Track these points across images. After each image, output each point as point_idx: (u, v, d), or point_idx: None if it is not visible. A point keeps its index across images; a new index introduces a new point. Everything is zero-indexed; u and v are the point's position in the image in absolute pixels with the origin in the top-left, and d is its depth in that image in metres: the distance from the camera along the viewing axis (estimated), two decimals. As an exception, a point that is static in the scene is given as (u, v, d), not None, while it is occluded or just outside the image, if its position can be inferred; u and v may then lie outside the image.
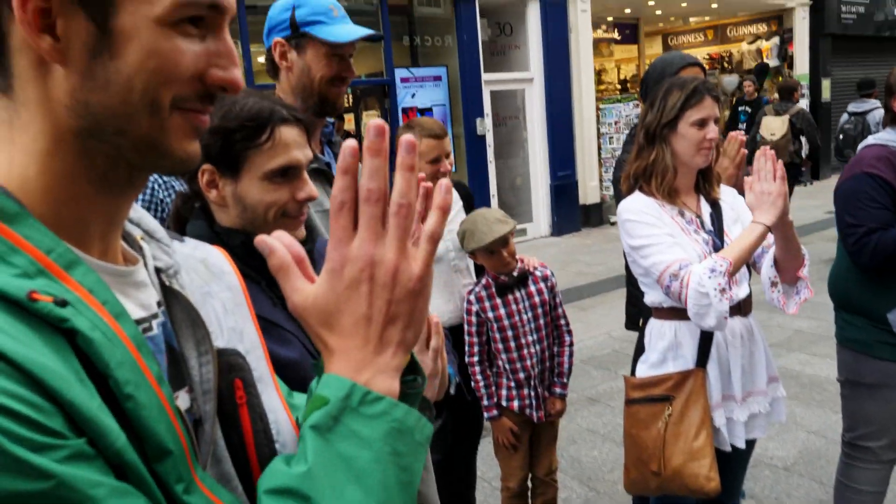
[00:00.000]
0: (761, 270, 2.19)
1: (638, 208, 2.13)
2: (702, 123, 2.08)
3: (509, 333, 2.72)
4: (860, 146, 2.53)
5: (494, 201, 9.62)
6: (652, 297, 2.21)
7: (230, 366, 0.80)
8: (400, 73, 8.77)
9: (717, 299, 1.91)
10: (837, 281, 2.56)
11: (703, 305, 1.93)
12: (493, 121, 9.66)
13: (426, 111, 8.98)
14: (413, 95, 8.88)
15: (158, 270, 0.78)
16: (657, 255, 2.04)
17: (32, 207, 0.63)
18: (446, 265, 2.84)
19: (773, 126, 8.33)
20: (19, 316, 0.57)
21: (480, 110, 9.29)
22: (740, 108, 10.77)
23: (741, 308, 2.19)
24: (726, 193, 2.28)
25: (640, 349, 2.33)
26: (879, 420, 2.45)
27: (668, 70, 2.68)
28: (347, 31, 1.83)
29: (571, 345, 2.87)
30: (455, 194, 2.91)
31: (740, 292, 2.18)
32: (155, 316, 0.74)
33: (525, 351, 2.73)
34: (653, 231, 2.08)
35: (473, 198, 3.09)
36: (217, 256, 0.91)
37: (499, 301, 2.72)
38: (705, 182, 2.22)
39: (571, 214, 10.25)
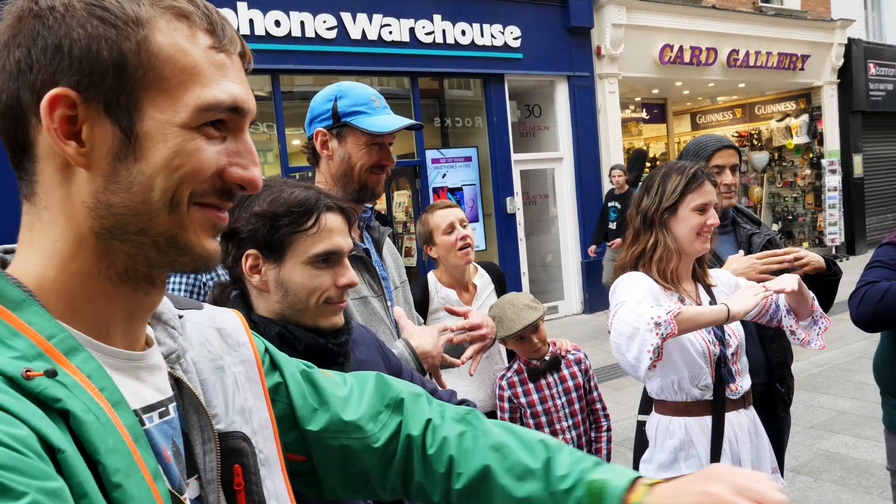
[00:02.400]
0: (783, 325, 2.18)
1: (630, 278, 2.09)
2: (703, 209, 2.08)
3: (543, 419, 2.67)
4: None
5: (525, 279, 9.61)
6: (654, 387, 2.15)
7: (231, 450, 0.80)
8: (431, 154, 8.96)
9: (650, 332, 1.80)
10: (882, 365, 2.49)
11: (633, 328, 1.81)
12: (524, 199, 9.76)
13: (457, 190, 9.12)
14: (444, 175, 9.03)
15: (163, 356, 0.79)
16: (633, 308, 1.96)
17: (48, 302, 0.65)
18: None
19: None
20: (17, 393, 0.58)
21: (510, 189, 9.41)
22: (610, 205, 8.73)
23: (745, 401, 2.14)
24: (718, 278, 2.25)
25: (641, 444, 2.27)
26: (933, 511, 2.34)
27: (701, 153, 2.67)
28: (388, 121, 1.89)
29: (609, 430, 2.80)
30: (486, 276, 2.92)
31: (744, 384, 2.13)
32: (171, 400, 0.75)
33: (560, 437, 2.66)
34: (630, 294, 1.99)
35: (505, 277, 3.09)
36: (235, 325, 0.91)
37: (531, 386, 2.67)
38: (699, 268, 2.20)
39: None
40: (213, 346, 0.85)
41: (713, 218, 2.11)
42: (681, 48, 10.70)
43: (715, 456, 2.07)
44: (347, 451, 0.98)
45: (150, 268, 0.70)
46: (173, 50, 0.67)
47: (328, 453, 0.98)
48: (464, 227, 2.71)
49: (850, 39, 13.34)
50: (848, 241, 13.50)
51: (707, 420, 2.10)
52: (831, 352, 6.78)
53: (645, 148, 12.98)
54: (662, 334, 1.76)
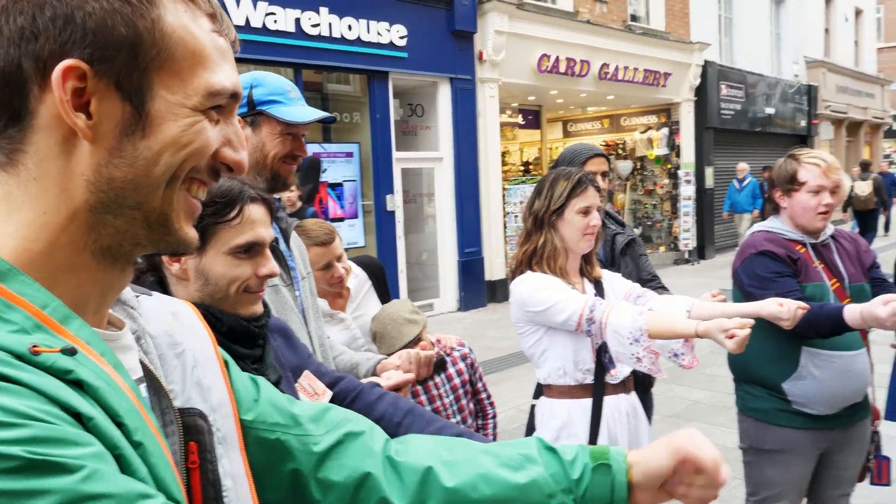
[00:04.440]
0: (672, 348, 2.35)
1: (535, 277, 2.28)
2: (586, 211, 2.28)
3: None
4: (748, 232, 2.80)
5: (403, 276, 9.72)
6: (542, 374, 2.34)
7: (187, 427, 0.78)
8: (312, 147, 8.87)
9: (632, 360, 2.06)
10: (737, 354, 2.78)
11: (621, 345, 2.07)
12: (403, 197, 9.87)
13: (337, 186, 9.10)
14: (325, 170, 8.98)
15: None
16: (568, 308, 2.18)
17: (28, 273, 0.64)
18: None
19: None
20: (30, 367, 0.57)
21: (391, 187, 9.49)
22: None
23: (625, 386, 2.36)
24: (607, 275, 2.47)
25: (531, 427, 2.45)
26: (779, 483, 2.64)
27: (576, 159, 2.92)
28: (304, 112, 1.92)
29: (495, 416, 2.94)
30: (361, 274, 2.88)
31: (624, 370, 2.35)
32: (142, 380, 0.75)
33: None
34: (556, 292, 2.22)
35: (384, 271, 3.08)
36: (187, 311, 0.91)
37: (419, 388, 2.70)
38: (587, 264, 2.41)
39: (478, 290, 10.48)
40: (170, 326, 0.85)
41: (596, 219, 2.31)
42: (557, 59, 11.19)
43: (594, 436, 2.27)
44: (283, 447, 0.95)
45: (135, 245, 0.71)
46: (184, 32, 0.68)
47: (261, 447, 0.94)
48: (340, 262, 2.56)
49: (706, 61, 14.45)
50: (699, 246, 14.62)
51: (587, 402, 2.31)
52: (685, 348, 7.34)
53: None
54: (643, 346, 2.04)
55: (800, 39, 18.71)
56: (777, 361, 2.58)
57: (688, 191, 14.11)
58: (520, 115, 13.39)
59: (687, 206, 14.11)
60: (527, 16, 10.69)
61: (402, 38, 9.36)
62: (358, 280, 2.85)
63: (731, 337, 1.91)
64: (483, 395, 2.93)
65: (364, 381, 1.97)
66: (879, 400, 3.27)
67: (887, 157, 19.96)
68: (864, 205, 14.49)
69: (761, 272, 2.55)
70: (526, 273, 2.34)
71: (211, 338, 0.91)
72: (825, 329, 2.38)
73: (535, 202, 2.37)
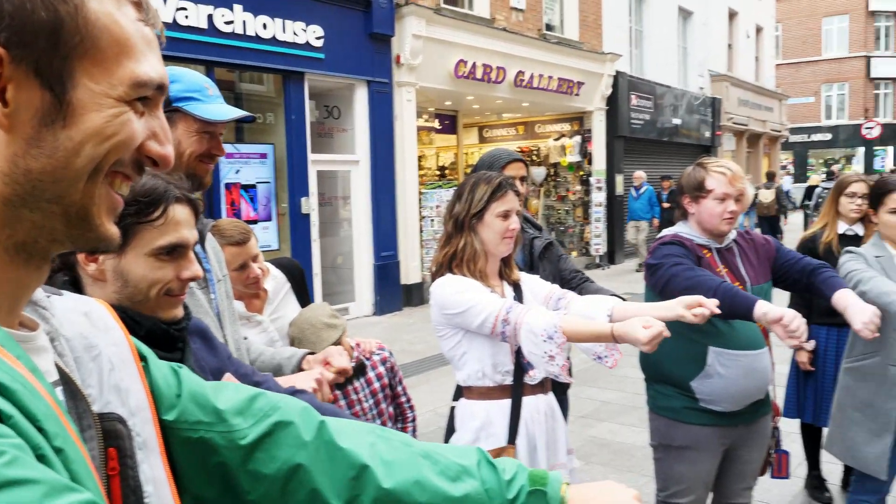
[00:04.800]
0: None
1: (455, 280, 2.29)
2: (506, 215, 2.30)
3: None
4: (658, 236, 2.89)
5: (318, 279, 9.59)
6: (462, 376, 2.35)
7: (106, 432, 0.76)
8: (224, 147, 8.63)
9: (544, 360, 2.07)
10: (648, 355, 2.85)
11: (535, 344, 2.08)
12: (319, 200, 9.74)
13: (250, 187, 8.88)
14: (237, 171, 8.76)
15: None
16: (485, 310, 2.18)
17: None
18: None
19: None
20: None
21: (306, 189, 9.35)
22: None
23: (543, 386, 2.40)
24: (526, 279, 2.50)
25: (450, 429, 2.46)
26: (688, 479, 2.73)
27: (496, 164, 2.94)
28: (222, 110, 1.85)
29: (414, 419, 2.92)
30: (280, 276, 2.82)
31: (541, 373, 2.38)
32: (58, 383, 0.72)
33: None
34: (474, 294, 2.23)
35: (304, 274, 3.03)
36: (100, 310, 0.87)
37: (338, 392, 2.67)
38: (506, 267, 2.43)
39: (394, 294, 10.44)
40: (84, 328, 0.81)
41: (515, 223, 2.34)
42: (474, 64, 11.30)
43: (512, 436, 2.29)
44: (207, 444, 0.92)
45: (52, 241, 0.68)
46: (108, 20, 0.66)
47: (185, 446, 0.92)
48: (256, 262, 2.49)
49: (617, 72, 14.92)
50: (609, 251, 15.04)
51: (506, 403, 2.32)
52: (597, 350, 7.53)
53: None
54: (557, 343, 2.05)
55: (705, 54, 19.58)
56: (686, 361, 2.67)
57: (599, 197, 14.52)
58: (436, 120, 13.45)
59: (598, 212, 14.51)
60: (444, 21, 10.75)
61: (318, 38, 9.24)
62: (276, 282, 2.79)
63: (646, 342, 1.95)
64: (403, 399, 2.92)
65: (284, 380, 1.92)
66: (779, 398, 3.44)
67: (784, 168, 21.20)
68: (767, 211, 15.74)
69: (666, 252, 2.64)
70: (446, 276, 2.34)
71: (127, 338, 0.87)
72: (739, 311, 2.40)
73: (455, 205, 2.38)
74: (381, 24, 9.87)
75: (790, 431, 4.44)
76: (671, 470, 2.78)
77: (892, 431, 2.92)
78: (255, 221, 8.82)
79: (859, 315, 2.41)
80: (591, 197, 14.59)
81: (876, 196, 3.07)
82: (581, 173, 15.05)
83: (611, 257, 15.12)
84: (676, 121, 17.66)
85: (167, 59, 0.74)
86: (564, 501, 0.98)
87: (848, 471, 4.08)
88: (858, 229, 3.85)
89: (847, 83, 35.80)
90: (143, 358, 0.89)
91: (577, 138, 14.89)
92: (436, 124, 13.51)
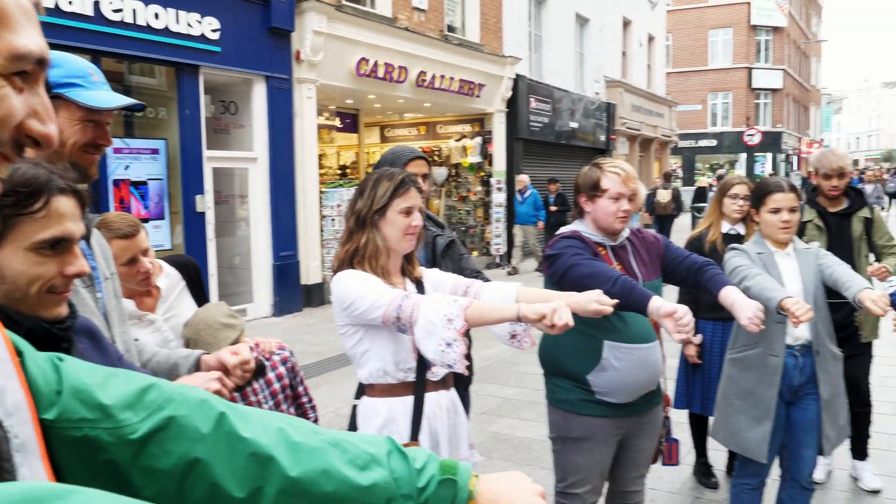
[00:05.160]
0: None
1: (355, 274, 2.26)
2: (408, 212, 2.30)
3: None
4: (557, 233, 2.96)
5: (214, 280, 9.30)
6: (364, 374, 2.33)
7: None
8: (112, 139, 8.23)
9: (440, 348, 2.04)
10: (547, 350, 2.92)
11: (433, 328, 2.03)
12: (215, 198, 9.44)
13: (141, 184, 8.50)
14: (127, 167, 8.37)
15: None
16: (383, 301, 2.14)
17: None
18: None
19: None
20: None
21: (201, 187, 9.04)
22: None
23: (445, 382, 2.41)
24: (428, 274, 2.50)
25: (353, 428, 2.44)
26: (585, 469, 2.80)
27: (398, 161, 2.93)
28: (108, 97, 1.74)
29: (316, 420, 2.87)
30: (174, 273, 2.71)
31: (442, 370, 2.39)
32: None
33: None
34: (373, 288, 2.19)
35: (200, 271, 2.91)
36: None
37: (236, 394, 2.58)
38: (408, 264, 2.43)
39: (293, 294, 10.25)
40: None
41: (418, 220, 2.33)
42: (376, 63, 11.24)
43: (415, 432, 2.28)
44: (93, 442, 0.88)
45: None
46: None
47: (69, 445, 0.87)
48: (146, 256, 2.40)
49: (517, 75, 15.21)
50: (509, 251, 15.31)
51: (409, 400, 2.31)
52: (499, 347, 7.64)
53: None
54: (456, 328, 1.96)
55: (600, 60, 20.26)
56: (582, 356, 2.74)
57: (499, 198, 14.76)
58: (337, 119, 13.30)
59: (499, 212, 14.75)
60: (346, 18, 10.64)
61: (214, 31, 8.95)
62: (170, 279, 2.67)
63: (552, 325, 1.97)
64: (304, 399, 2.86)
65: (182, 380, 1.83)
66: (669, 390, 3.59)
67: (673, 171, 22.24)
68: (664, 210, 16.39)
69: (565, 244, 2.71)
70: (346, 271, 2.30)
71: (2, 333, 0.81)
72: (633, 304, 2.47)
73: (357, 201, 2.35)
74: (280, 18, 9.66)
75: (680, 421, 4.64)
76: (569, 461, 2.84)
77: (771, 418, 3.09)
78: (146, 219, 8.45)
79: (745, 310, 2.55)
80: (492, 197, 14.81)
81: (757, 197, 3.25)
82: (482, 174, 15.25)
83: (510, 257, 15.40)
84: (573, 124, 18.19)
85: (49, 47, 0.69)
86: (473, 492, 0.99)
87: (732, 457, 4.31)
88: (741, 228, 4.07)
89: (731, 92, 37.94)
90: (19, 353, 0.83)
91: (478, 139, 15.08)
92: (337, 123, 13.36)
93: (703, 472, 4.40)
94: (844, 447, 4.38)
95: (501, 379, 6.77)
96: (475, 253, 15.18)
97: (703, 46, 38.20)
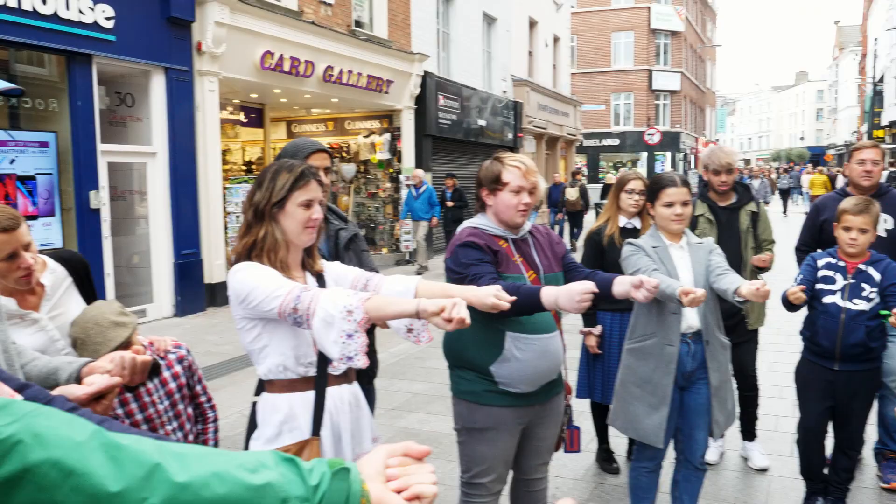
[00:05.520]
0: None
1: (251, 267, 2.20)
2: (308, 204, 2.26)
3: (145, 427, 2.50)
4: (459, 228, 2.98)
5: (110, 280, 8.89)
6: (263, 369, 2.28)
7: None
8: (-4, 134, 7.75)
9: (340, 341, 2.02)
10: (450, 342, 2.93)
11: (332, 320, 2.00)
12: (111, 194, 9.02)
13: (29, 179, 8.03)
14: (12, 161, 7.88)
15: None
16: (280, 294, 2.10)
17: None
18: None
19: None
20: None
21: (95, 182, 8.61)
22: None
23: (347, 376, 2.39)
24: (329, 268, 2.47)
25: (252, 425, 2.39)
26: (489, 459, 2.84)
27: (299, 154, 2.86)
28: None
29: (216, 420, 2.78)
30: (60, 270, 2.57)
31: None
32: None
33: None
34: (270, 281, 2.14)
35: (89, 268, 2.76)
36: None
37: (129, 395, 2.48)
38: (309, 258, 2.39)
39: (196, 294, 9.93)
40: None
41: (318, 213, 2.29)
42: (281, 57, 11.02)
43: (316, 427, 2.24)
44: None
45: None
46: None
47: None
48: (28, 251, 2.27)
49: (426, 72, 15.24)
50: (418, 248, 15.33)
51: (309, 395, 2.27)
52: (407, 343, 7.64)
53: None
54: (356, 320, 1.94)
55: (508, 59, 20.56)
56: (485, 347, 2.77)
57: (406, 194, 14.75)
58: (242, 113, 12.98)
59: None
60: (249, 10, 10.38)
61: (108, 19, 8.53)
62: (55, 276, 2.52)
63: (450, 320, 1.98)
64: (203, 399, 2.77)
65: (59, 390, 1.74)
66: (571, 380, 3.68)
67: (578, 170, 22.85)
68: (573, 206, 17.13)
69: (464, 259, 2.73)
70: (242, 264, 2.24)
71: None
72: (525, 306, 2.57)
73: (255, 193, 2.28)
74: (179, 8, 9.32)
75: (582, 410, 4.77)
76: (474, 451, 2.87)
77: (667, 404, 3.22)
78: (34, 216, 7.99)
79: (635, 293, 2.66)
80: (401, 194, 14.79)
81: (652, 192, 3.37)
82: (391, 171, 15.21)
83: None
84: (482, 122, 18.40)
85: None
86: (364, 484, 0.98)
87: (632, 442, 4.46)
88: (637, 223, 4.21)
89: (632, 93, 39.30)
90: None
91: (387, 136, 15.04)
92: (241, 117, 13.03)
93: (604, 458, 4.54)
94: (736, 430, 4.62)
95: (410, 374, 6.77)
96: (384, 250, 15.14)
97: (606, 48, 39.38)
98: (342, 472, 0.96)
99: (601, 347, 4.25)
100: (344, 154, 15.47)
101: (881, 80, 43.50)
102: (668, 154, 39.26)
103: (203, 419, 2.76)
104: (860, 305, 3.50)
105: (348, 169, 15.18)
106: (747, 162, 68.75)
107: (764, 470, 4.43)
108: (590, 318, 4.26)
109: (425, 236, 13.66)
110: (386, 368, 6.93)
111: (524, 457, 2.99)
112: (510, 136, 20.41)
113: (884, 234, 3.97)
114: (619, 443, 4.67)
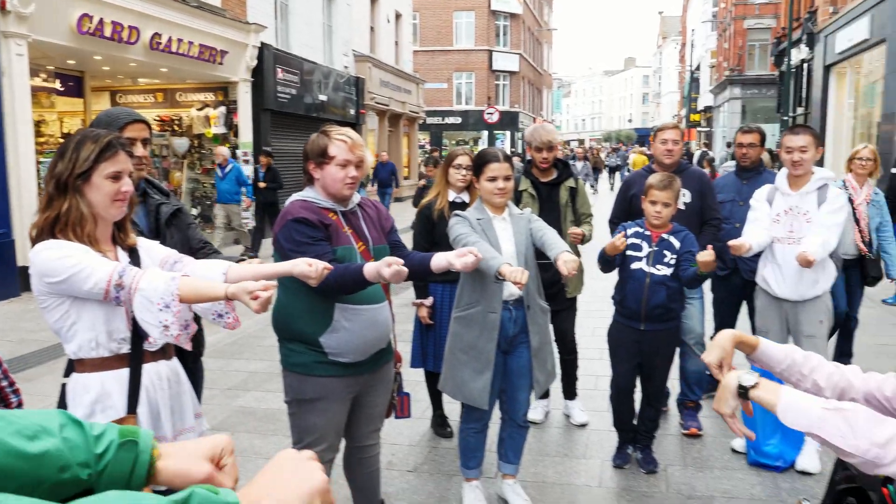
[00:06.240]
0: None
1: (58, 244, 2.11)
2: (116, 177, 2.19)
3: None
4: (288, 201, 2.97)
5: None
6: (72, 348, 2.21)
7: None
8: None
9: (159, 328, 2.03)
10: (279, 315, 2.93)
11: (150, 312, 2.04)
12: None
13: None
14: None
15: None
16: (95, 274, 2.06)
17: None
18: None
19: None
20: None
21: None
22: None
23: (165, 352, 2.35)
24: (143, 243, 2.42)
25: (62, 407, 2.30)
26: (321, 428, 2.88)
27: (114, 124, 2.73)
28: None
29: (20, 405, 2.61)
30: None
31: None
32: None
33: None
34: (80, 258, 2.07)
35: None
36: None
37: None
38: (120, 232, 2.32)
39: (8, 277, 9.13)
40: None
41: (127, 185, 2.21)
42: (101, 21, 10.25)
43: (132, 405, 2.19)
44: None
45: None
46: None
47: None
48: None
49: (263, 44, 14.76)
50: (260, 227, 14.93)
51: (124, 372, 2.21)
52: (245, 322, 7.49)
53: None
54: (172, 291, 2.04)
55: (349, 34, 20.33)
56: (314, 317, 2.80)
57: (247, 171, 14.27)
58: (58, 81, 11.94)
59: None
60: (63, -31, 9.56)
61: None
62: None
63: (256, 298, 2.01)
64: (4, 384, 2.58)
65: None
66: (405, 352, 3.79)
67: (422, 146, 23.10)
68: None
69: (298, 237, 2.74)
70: (47, 241, 2.12)
71: None
72: (349, 285, 2.66)
73: (57, 164, 2.16)
74: (-21, -38, 8.42)
75: (419, 380, 4.92)
76: (305, 422, 2.90)
77: (491, 368, 3.40)
78: None
79: (455, 261, 2.80)
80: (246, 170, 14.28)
81: (477, 167, 3.52)
82: (227, 145, 14.64)
83: (263, 232, 15.03)
84: (323, 97, 18.13)
85: None
86: (154, 455, 0.99)
87: (464, 406, 4.67)
88: (466, 197, 4.38)
89: (473, 73, 40.15)
90: None
91: (222, 109, 14.45)
92: (57, 85, 11.98)
93: (439, 423, 4.71)
94: (559, 390, 4.95)
95: (248, 354, 6.65)
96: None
97: (448, 27, 39.91)
98: (130, 442, 0.96)
99: (433, 318, 4.39)
100: (175, 127, 14.70)
101: (698, 67, 47.37)
102: (508, 133, 40.62)
103: (5, 404, 2.59)
104: (662, 271, 3.86)
105: (180, 143, 14.46)
106: (581, 142, 72.51)
107: (584, 425, 4.79)
108: (421, 289, 4.39)
109: (241, 218, 12.51)
110: (224, 349, 6.77)
111: (356, 424, 3.06)
112: (352, 111, 20.27)
113: (683, 207, 4.38)
114: (453, 409, 4.87)
